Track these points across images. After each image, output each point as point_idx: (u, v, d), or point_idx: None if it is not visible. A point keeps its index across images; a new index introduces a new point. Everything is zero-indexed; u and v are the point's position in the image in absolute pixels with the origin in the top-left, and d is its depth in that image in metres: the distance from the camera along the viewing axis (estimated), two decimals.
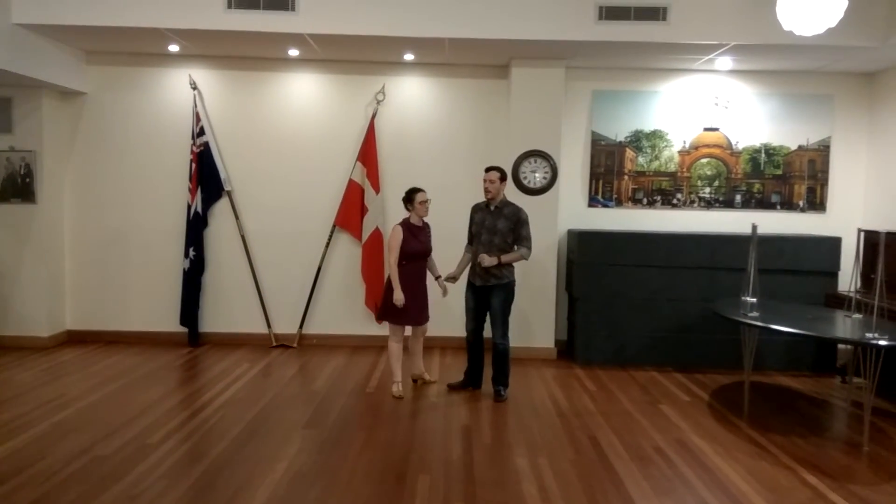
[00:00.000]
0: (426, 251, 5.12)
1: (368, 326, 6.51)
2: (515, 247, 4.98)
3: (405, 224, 5.03)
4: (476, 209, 5.18)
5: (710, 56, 5.88)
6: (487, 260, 4.86)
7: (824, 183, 6.56)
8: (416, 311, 5.06)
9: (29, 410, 4.58)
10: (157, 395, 4.97)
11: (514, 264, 5.07)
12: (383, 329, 5.92)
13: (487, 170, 5.03)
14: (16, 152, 6.18)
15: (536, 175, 6.23)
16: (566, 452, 4.07)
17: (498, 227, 4.95)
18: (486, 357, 5.26)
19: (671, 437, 4.35)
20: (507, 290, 5.05)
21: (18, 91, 6.10)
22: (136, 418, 4.47)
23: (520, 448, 4.12)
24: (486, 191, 4.99)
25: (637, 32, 5.41)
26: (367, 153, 6.38)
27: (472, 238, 5.14)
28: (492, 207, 5.02)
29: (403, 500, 3.40)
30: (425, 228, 5.13)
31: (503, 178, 5.03)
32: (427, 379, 5.41)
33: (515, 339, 6.22)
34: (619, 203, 6.61)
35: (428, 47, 5.82)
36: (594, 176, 6.58)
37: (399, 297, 4.88)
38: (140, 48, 6.17)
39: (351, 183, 6.41)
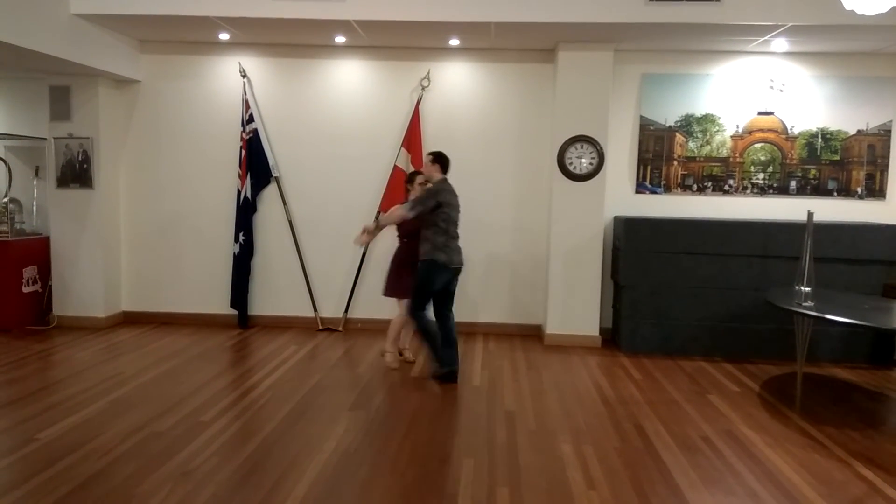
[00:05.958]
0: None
1: None
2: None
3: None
4: None
5: (766, 38, 5.70)
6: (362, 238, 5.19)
7: (884, 169, 6.31)
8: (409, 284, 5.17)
9: (88, 388, 4.77)
10: (209, 375, 5.11)
11: (432, 245, 4.96)
12: None
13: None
14: (74, 139, 6.40)
15: (583, 161, 6.16)
16: (611, 440, 4.04)
17: None
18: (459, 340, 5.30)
19: (720, 428, 4.28)
20: (418, 269, 5.05)
21: (76, 80, 6.30)
22: (189, 397, 4.61)
23: (564, 435, 4.11)
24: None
25: (688, 14, 5.27)
26: (412, 139, 6.40)
27: None
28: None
29: (448, 482, 3.43)
30: None
31: (434, 160, 5.10)
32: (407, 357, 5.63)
33: (559, 326, 6.27)
34: (667, 189, 6.48)
35: (474, 32, 5.79)
36: (642, 161, 6.47)
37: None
38: (192, 37, 6.30)
39: (395, 169, 6.43)
